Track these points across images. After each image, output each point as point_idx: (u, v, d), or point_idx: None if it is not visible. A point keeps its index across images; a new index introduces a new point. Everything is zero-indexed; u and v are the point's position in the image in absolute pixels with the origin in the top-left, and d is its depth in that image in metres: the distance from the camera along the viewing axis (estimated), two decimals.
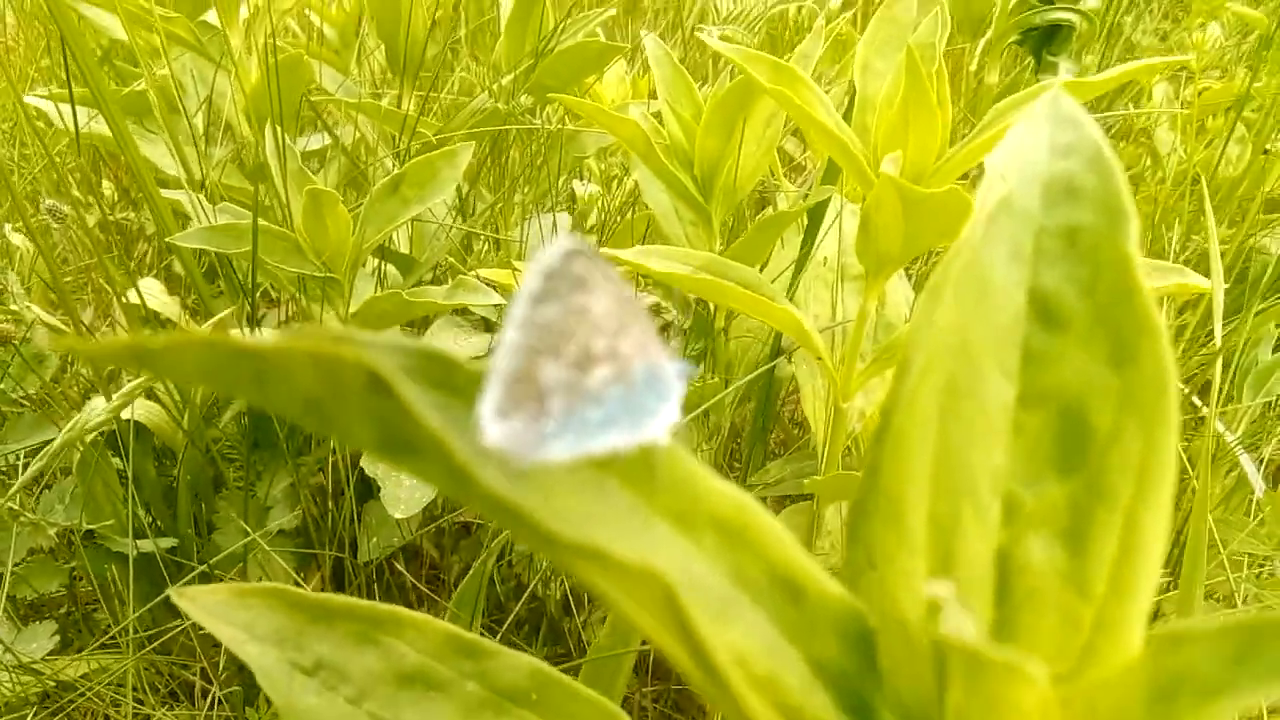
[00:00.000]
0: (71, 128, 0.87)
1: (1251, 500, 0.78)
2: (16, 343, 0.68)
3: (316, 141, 0.95)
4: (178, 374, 0.13)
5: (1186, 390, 0.85)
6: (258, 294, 0.85)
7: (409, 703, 0.26)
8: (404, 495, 0.68)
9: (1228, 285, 1.02)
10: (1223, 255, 1.03)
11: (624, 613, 0.14)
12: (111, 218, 1.02)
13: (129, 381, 0.82)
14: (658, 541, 0.17)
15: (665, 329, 0.76)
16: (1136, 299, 0.16)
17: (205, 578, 0.77)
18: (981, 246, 0.18)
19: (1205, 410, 0.76)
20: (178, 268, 0.94)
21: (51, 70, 1.47)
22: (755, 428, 0.82)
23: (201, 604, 0.25)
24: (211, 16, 0.92)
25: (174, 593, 0.26)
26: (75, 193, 0.97)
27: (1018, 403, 0.18)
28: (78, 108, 0.86)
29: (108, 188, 1.05)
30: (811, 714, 0.17)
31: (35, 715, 0.69)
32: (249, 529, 0.65)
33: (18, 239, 0.92)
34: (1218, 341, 0.53)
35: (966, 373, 0.17)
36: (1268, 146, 1.12)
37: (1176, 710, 0.13)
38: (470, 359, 0.14)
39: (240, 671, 0.76)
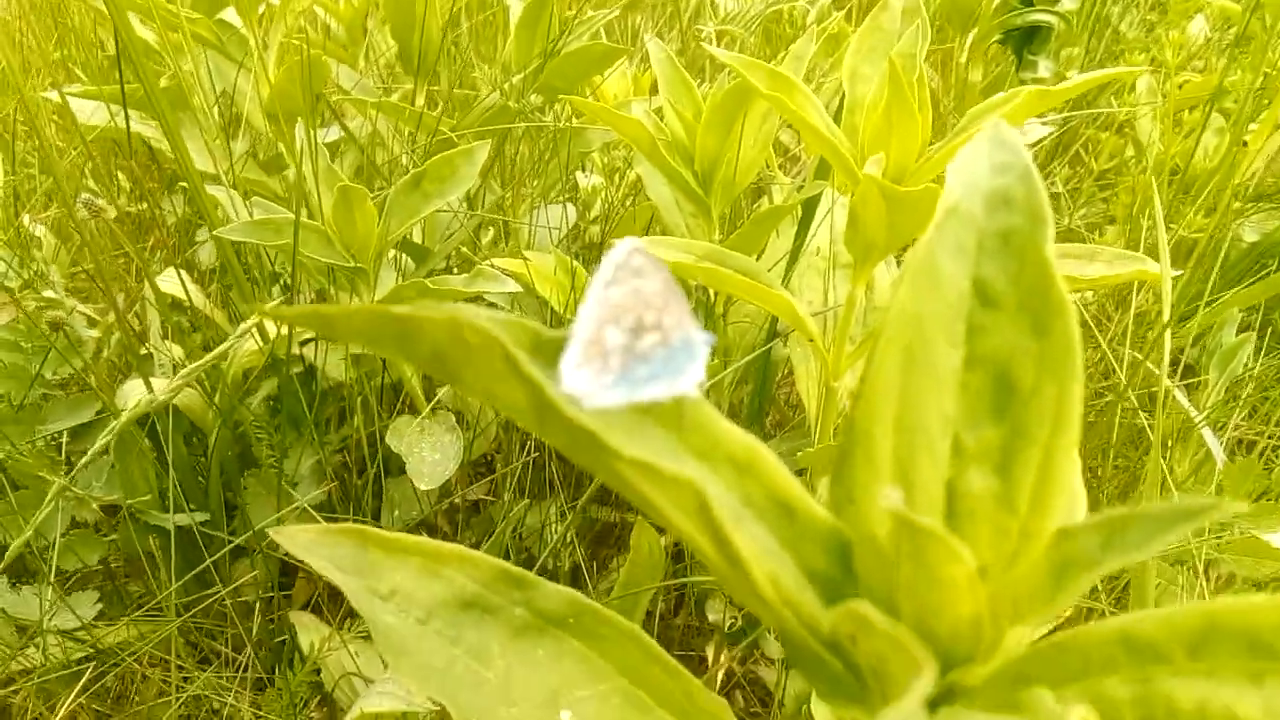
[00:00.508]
0: (90, 122, 0.91)
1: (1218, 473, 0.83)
2: (65, 329, 0.72)
3: (332, 134, 0.99)
4: (347, 335, 0.18)
5: (1159, 370, 0.90)
6: (278, 283, 0.90)
7: (468, 624, 0.31)
8: (427, 470, 0.72)
9: (1202, 272, 1.07)
10: (1197, 243, 1.08)
11: (665, 516, 0.19)
12: (131, 209, 1.06)
13: (160, 366, 0.86)
14: (686, 470, 0.22)
15: None
16: (1051, 287, 0.22)
17: (237, 550, 0.81)
18: (935, 244, 0.23)
19: (1175, 389, 0.82)
20: (199, 257, 0.98)
21: (62, 63, 1.51)
22: (752, 409, 0.87)
23: (297, 541, 0.31)
24: (228, 14, 0.96)
25: (272, 531, 0.31)
26: (93, 185, 1.02)
27: (963, 365, 0.23)
28: (94, 101, 0.91)
29: (123, 179, 1.09)
30: (805, 606, 0.22)
31: (82, 677, 0.74)
32: (284, 499, 0.70)
33: (39, 230, 0.96)
34: (1165, 317, 0.58)
35: (922, 342, 0.22)
36: (1245, 138, 1.16)
37: (1066, 581, 0.18)
38: (552, 330, 0.20)
39: (271, 636, 0.81)
